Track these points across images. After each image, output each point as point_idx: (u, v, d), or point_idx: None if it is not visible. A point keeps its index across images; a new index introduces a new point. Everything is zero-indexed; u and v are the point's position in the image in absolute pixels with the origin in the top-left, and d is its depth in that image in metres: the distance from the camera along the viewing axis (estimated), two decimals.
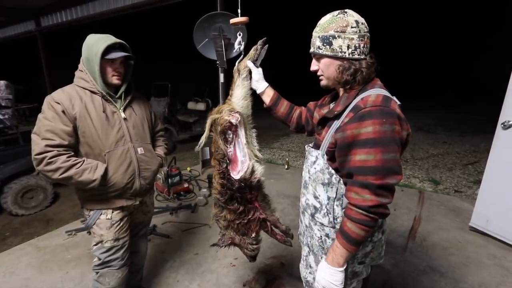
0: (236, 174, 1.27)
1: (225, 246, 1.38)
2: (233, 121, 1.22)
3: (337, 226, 1.04)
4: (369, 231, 0.91)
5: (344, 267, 0.96)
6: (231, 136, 1.28)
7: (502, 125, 2.29)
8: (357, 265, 1.08)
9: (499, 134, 2.33)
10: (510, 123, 2.24)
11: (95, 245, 1.42)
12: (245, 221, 1.34)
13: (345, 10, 0.95)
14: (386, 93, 0.94)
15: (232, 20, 1.38)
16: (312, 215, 1.11)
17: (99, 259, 1.43)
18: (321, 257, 1.11)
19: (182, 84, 6.82)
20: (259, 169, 1.32)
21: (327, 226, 1.06)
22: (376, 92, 0.92)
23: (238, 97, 1.31)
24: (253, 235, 1.38)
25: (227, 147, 1.26)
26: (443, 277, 2.04)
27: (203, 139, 1.34)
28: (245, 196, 1.31)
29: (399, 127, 0.88)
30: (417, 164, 4.59)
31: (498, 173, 2.36)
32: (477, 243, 2.43)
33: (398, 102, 0.94)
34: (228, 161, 1.26)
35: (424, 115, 8.41)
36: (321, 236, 1.09)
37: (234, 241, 1.38)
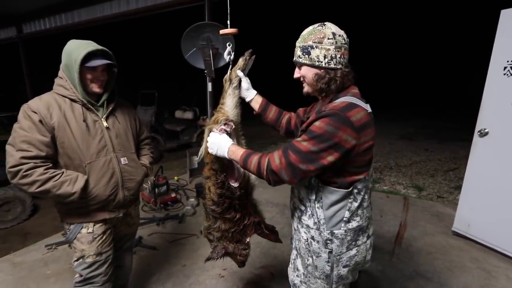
0: (234, 182, 1.28)
1: (219, 258, 1.35)
2: (229, 130, 1.24)
3: (322, 228, 1.06)
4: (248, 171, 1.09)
5: (226, 152, 1.12)
6: None
7: (478, 133, 2.40)
8: (342, 268, 1.09)
9: (477, 142, 2.43)
10: (486, 131, 2.35)
11: (76, 260, 1.36)
12: (241, 227, 1.33)
13: (324, 23, 1.03)
14: (354, 100, 0.98)
15: (222, 31, 1.39)
16: (299, 218, 1.16)
17: (81, 275, 1.36)
18: (308, 260, 1.13)
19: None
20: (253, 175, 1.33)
21: (312, 228, 1.09)
22: (344, 99, 0.99)
23: (231, 106, 1.33)
24: (248, 240, 1.38)
25: None
26: (429, 282, 2.08)
27: (202, 150, 1.33)
28: (243, 203, 1.31)
29: (344, 134, 0.91)
30: (401, 171, 4.72)
31: (477, 179, 2.46)
32: (460, 247, 2.51)
33: (369, 110, 1.01)
34: (227, 170, 1.27)
35: (405, 123, 8.70)
36: (307, 239, 1.12)
37: (227, 251, 1.36)
